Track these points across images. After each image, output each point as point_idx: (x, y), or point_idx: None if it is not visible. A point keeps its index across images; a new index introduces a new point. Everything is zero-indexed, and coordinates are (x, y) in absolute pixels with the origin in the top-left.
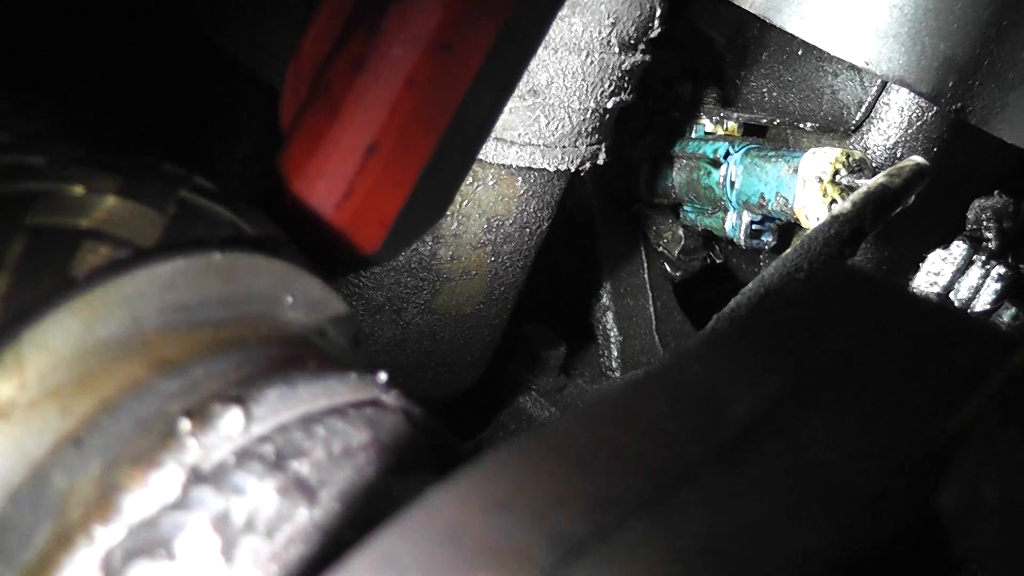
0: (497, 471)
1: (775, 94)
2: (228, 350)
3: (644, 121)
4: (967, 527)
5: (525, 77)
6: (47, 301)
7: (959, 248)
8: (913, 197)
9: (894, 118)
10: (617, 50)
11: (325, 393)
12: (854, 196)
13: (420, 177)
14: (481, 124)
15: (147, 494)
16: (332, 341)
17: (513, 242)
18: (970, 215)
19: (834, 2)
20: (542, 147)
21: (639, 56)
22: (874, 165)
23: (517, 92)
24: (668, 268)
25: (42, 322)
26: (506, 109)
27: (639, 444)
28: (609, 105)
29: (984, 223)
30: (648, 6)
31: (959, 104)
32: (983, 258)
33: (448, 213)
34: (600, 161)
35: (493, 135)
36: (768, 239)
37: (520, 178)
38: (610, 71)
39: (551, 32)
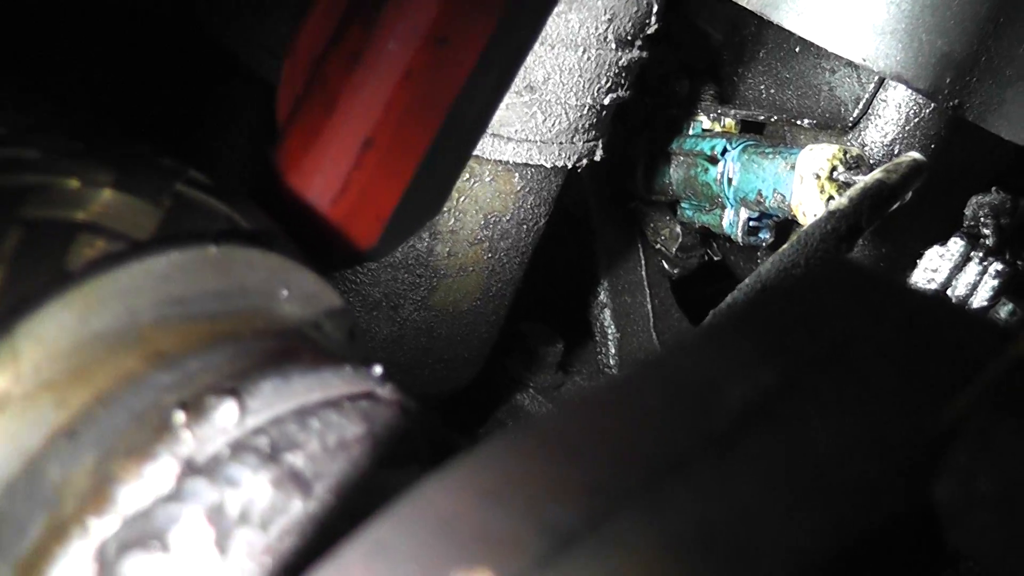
0: (490, 461)
1: (772, 91)
2: (223, 343)
3: (641, 118)
4: (962, 518)
5: (522, 73)
6: (42, 293)
7: (957, 245)
8: (910, 193)
9: (891, 115)
10: (614, 46)
11: (320, 386)
12: (851, 192)
13: (416, 171)
14: (478, 118)
15: (141, 486)
16: (328, 335)
17: (510, 238)
18: (968, 212)
19: None
20: (539, 143)
21: (636, 52)
22: (871, 162)
23: (514, 88)
24: (666, 265)
25: (37, 314)
26: (503, 105)
27: (632, 434)
28: (606, 101)
29: (982, 220)
30: (645, 2)
31: (956, 100)
32: (981, 255)
33: (445, 209)
34: (597, 158)
35: (490, 131)
36: (765, 236)
37: (517, 174)
38: (607, 67)
39: (548, 28)
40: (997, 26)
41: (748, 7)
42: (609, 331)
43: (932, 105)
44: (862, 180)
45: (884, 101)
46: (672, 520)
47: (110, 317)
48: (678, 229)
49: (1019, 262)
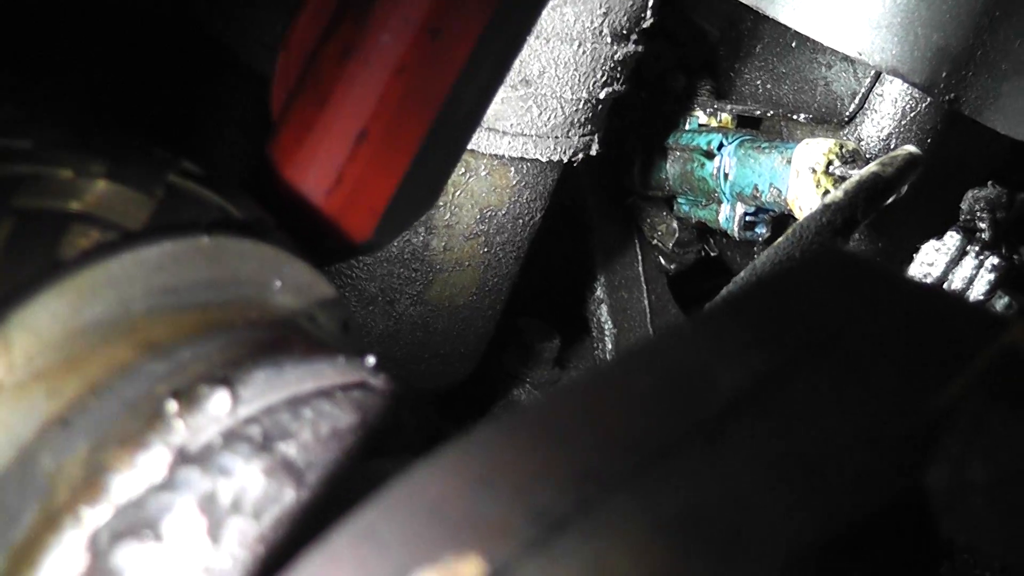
0: (480, 447)
1: (769, 86)
2: (215, 333)
3: (638, 113)
4: (954, 506)
5: (517, 67)
6: (35, 283)
7: (953, 239)
8: (906, 187)
9: (888, 109)
10: (609, 40)
11: (312, 375)
12: (846, 184)
13: (411, 164)
14: (472, 112)
15: (134, 475)
16: (321, 325)
17: (506, 233)
18: (964, 206)
19: None
20: (535, 137)
21: (632, 46)
22: (868, 156)
23: (509, 82)
24: (663, 261)
25: (29, 304)
26: (498, 99)
27: (622, 420)
28: (602, 95)
29: (978, 214)
30: None
31: (952, 95)
32: (977, 248)
33: (440, 203)
34: (593, 152)
35: (485, 125)
36: (762, 231)
37: (513, 168)
38: (602, 61)
39: (543, 21)
40: (992, 20)
41: (744, 2)
42: (606, 327)
43: (928, 99)
44: (858, 173)
45: (880, 95)
46: (662, 505)
47: (103, 307)
48: (675, 224)
49: (1015, 256)
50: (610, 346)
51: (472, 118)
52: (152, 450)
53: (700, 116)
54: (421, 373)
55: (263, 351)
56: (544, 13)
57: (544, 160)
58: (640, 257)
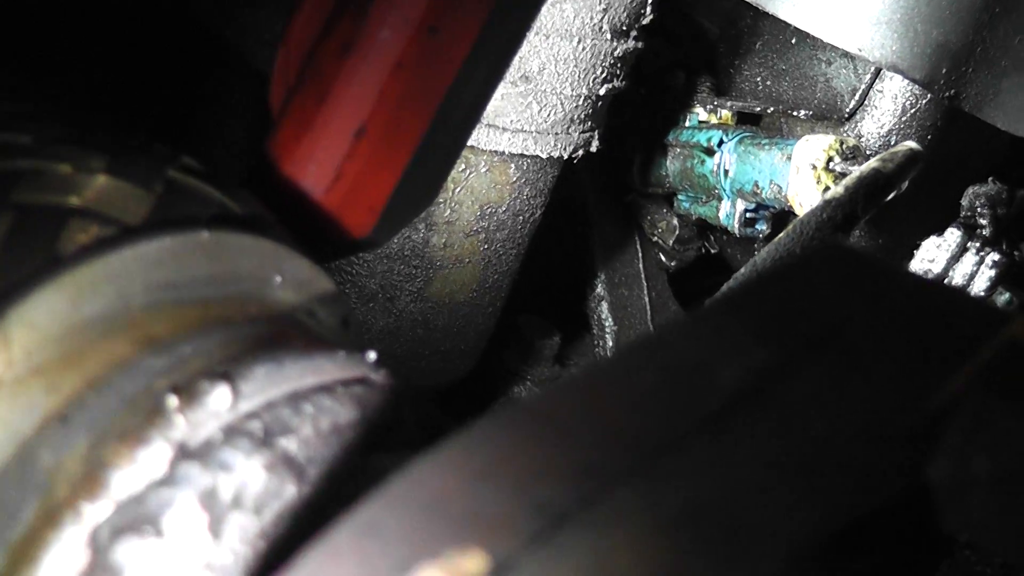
0: (481, 441)
1: (769, 82)
2: (215, 328)
3: (637, 110)
4: (956, 500)
5: (516, 63)
6: (34, 278)
7: (953, 235)
8: (907, 183)
9: (888, 105)
10: (609, 36)
11: (313, 371)
12: (847, 180)
13: (410, 161)
14: (471, 108)
15: (134, 471)
16: (321, 321)
17: (506, 229)
18: (964, 202)
19: None
20: (534, 134)
21: (631, 43)
22: (868, 152)
23: (509, 78)
24: (663, 258)
25: (28, 299)
26: (498, 95)
27: (624, 414)
28: (602, 92)
29: (978, 210)
30: None
31: (952, 91)
32: (977, 245)
33: (440, 200)
34: (593, 148)
35: (485, 121)
36: (762, 227)
37: (513, 165)
38: (602, 57)
39: (542, 18)
40: (992, 16)
41: None
42: (606, 324)
43: (928, 96)
44: (858, 170)
45: (880, 92)
46: (664, 500)
47: (102, 302)
48: (675, 221)
49: (1016, 252)
50: (610, 343)
51: (471, 115)
52: (152, 445)
53: (700, 113)
54: (421, 370)
55: (263, 346)
56: (544, 9)
57: (544, 156)
58: (640, 254)
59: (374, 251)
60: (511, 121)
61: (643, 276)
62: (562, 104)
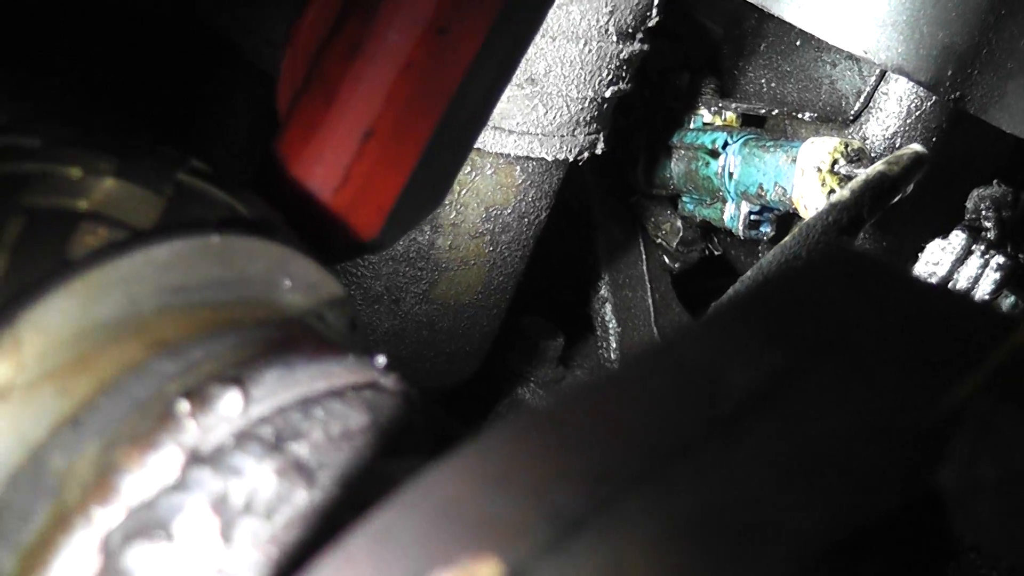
0: (494, 447)
1: (773, 84)
2: (226, 332)
3: (642, 112)
4: (965, 505)
5: (523, 66)
6: (44, 282)
7: (958, 238)
8: (912, 185)
9: (893, 108)
10: (615, 39)
11: (323, 375)
12: (852, 184)
13: (417, 163)
14: (479, 110)
15: (146, 476)
16: (330, 324)
17: (512, 231)
18: (969, 205)
19: None
20: (540, 136)
21: (637, 45)
22: (873, 155)
23: (515, 81)
24: (667, 259)
25: (40, 303)
26: (504, 98)
27: (636, 420)
28: (607, 94)
29: (983, 213)
30: None
31: (958, 93)
32: (982, 248)
33: (446, 202)
34: (599, 151)
35: (491, 124)
36: (767, 230)
37: (519, 167)
38: (608, 60)
39: (549, 20)
40: (998, 18)
41: (749, 0)
42: (610, 325)
43: (933, 98)
44: (864, 172)
45: (885, 94)
46: (678, 505)
47: (112, 306)
48: (679, 223)
49: (1021, 255)
50: (614, 345)
51: (479, 116)
52: (163, 450)
53: (704, 115)
54: (426, 372)
55: (274, 350)
56: (550, 12)
57: (550, 159)
58: (644, 256)
59: (380, 253)
60: (517, 123)
61: (647, 278)
62: (568, 106)
